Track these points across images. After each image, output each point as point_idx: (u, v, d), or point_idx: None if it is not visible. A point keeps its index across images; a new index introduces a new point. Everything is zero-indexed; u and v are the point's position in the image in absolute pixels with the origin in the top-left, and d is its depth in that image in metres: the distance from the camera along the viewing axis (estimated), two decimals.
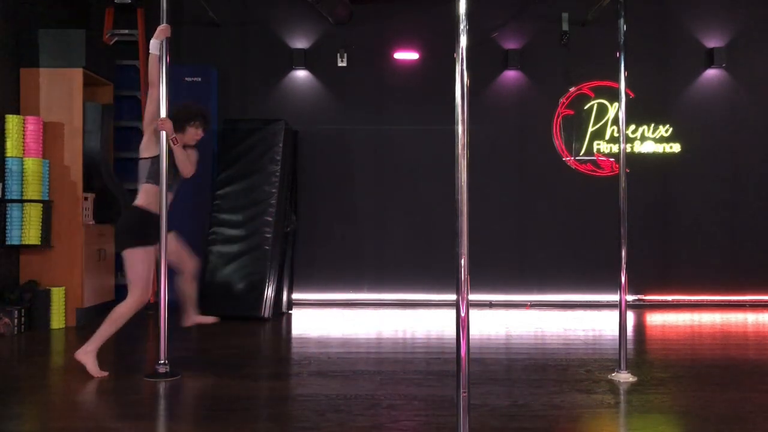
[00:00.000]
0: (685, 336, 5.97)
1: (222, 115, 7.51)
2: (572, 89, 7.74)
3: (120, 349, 5.59)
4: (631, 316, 6.85)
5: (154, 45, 4.23)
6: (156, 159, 4.23)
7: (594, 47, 7.58)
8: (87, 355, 4.22)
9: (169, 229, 4.24)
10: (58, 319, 5.99)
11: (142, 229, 4.21)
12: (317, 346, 5.38)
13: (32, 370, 4.58)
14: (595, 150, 7.71)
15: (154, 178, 4.24)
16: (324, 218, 7.72)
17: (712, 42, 7.70)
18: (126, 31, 7.16)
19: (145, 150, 4.29)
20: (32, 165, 5.86)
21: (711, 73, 7.73)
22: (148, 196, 4.27)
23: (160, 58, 4.25)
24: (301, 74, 7.79)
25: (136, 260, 4.18)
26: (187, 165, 4.30)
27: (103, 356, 5.25)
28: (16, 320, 5.66)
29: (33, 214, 5.85)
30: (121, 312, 4.19)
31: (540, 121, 7.73)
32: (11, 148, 5.82)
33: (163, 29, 4.25)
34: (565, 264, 7.63)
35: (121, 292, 7.10)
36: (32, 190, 5.85)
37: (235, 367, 4.54)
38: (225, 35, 7.75)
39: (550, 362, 4.71)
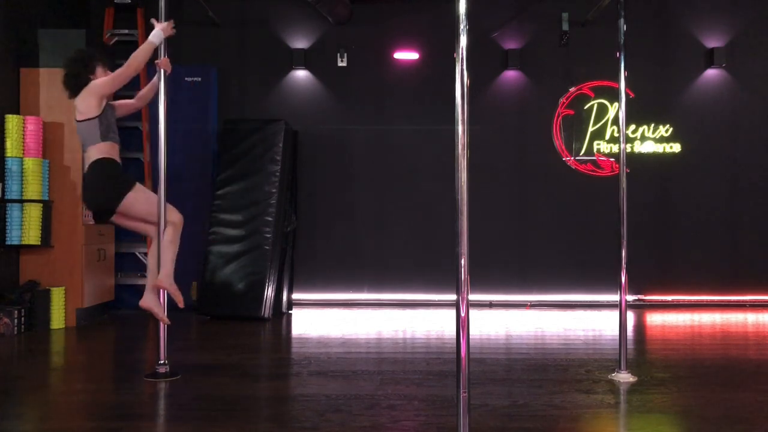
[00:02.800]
0: (685, 336, 5.97)
1: (222, 115, 7.51)
2: (572, 89, 7.74)
3: (120, 349, 5.60)
4: (631, 316, 6.85)
5: (157, 36, 4.23)
6: (100, 118, 4.21)
7: (594, 47, 7.58)
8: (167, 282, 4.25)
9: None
10: (58, 319, 5.99)
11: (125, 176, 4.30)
12: (317, 346, 5.38)
13: (32, 370, 4.58)
14: (595, 150, 7.70)
15: (107, 136, 4.25)
16: (324, 218, 7.73)
17: (712, 42, 7.70)
18: (126, 31, 7.17)
19: (90, 111, 4.20)
20: (32, 165, 5.86)
21: (711, 73, 7.73)
22: (112, 150, 4.27)
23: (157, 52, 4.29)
24: (301, 74, 7.79)
25: (141, 196, 4.25)
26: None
27: (103, 356, 5.26)
28: (16, 320, 5.67)
29: (33, 214, 5.85)
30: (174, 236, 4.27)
31: (540, 121, 7.73)
32: (11, 148, 5.83)
33: (166, 27, 4.26)
34: (565, 264, 7.63)
35: (121, 292, 7.12)
36: (32, 190, 5.85)
37: (235, 367, 4.54)
38: (225, 35, 7.75)
39: (550, 362, 4.71)
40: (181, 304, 4.21)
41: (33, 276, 6.10)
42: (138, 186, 4.25)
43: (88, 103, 4.18)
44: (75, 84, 4.26)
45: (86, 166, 4.25)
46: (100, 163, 4.19)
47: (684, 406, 3.66)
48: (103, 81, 4.22)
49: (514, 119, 7.76)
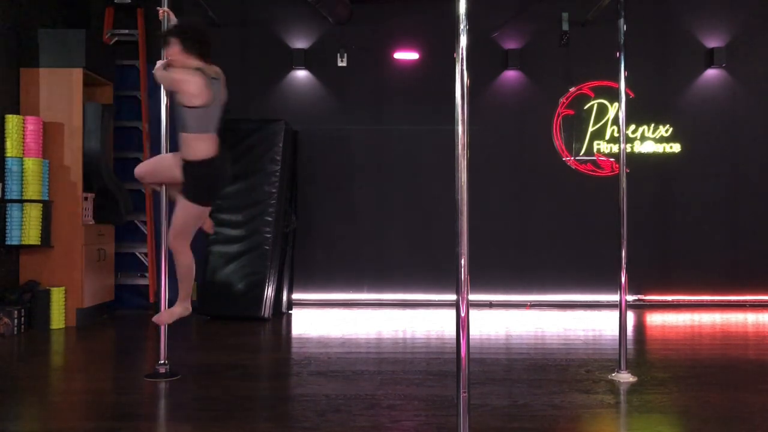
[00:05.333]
0: (685, 336, 5.97)
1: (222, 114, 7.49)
2: (572, 89, 7.74)
3: (120, 349, 5.61)
4: (631, 316, 6.85)
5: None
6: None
7: (594, 47, 7.58)
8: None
9: None
10: (58, 319, 5.99)
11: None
12: (317, 346, 5.38)
13: (32, 370, 4.58)
14: (595, 150, 7.70)
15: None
16: (324, 218, 7.72)
17: (712, 42, 7.69)
18: (126, 31, 7.17)
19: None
20: (32, 165, 5.86)
21: (711, 73, 7.73)
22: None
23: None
24: (301, 74, 7.79)
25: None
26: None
27: (103, 356, 5.26)
28: (16, 320, 5.66)
29: (33, 214, 5.85)
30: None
31: (540, 121, 7.73)
32: (11, 148, 5.82)
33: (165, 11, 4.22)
34: (565, 264, 7.63)
35: (121, 292, 7.12)
36: (32, 190, 5.85)
37: (235, 367, 4.54)
38: (225, 35, 7.74)
39: (550, 362, 4.71)
40: (212, 230, 4.28)
41: (33, 276, 6.10)
42: None
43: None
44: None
45: (211, 151, 3.87)
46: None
47: (684, 406, 3.66)
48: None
49: (514, 119, 7.76)
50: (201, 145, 3.84)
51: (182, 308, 4.06)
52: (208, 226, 4.33)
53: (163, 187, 4.36)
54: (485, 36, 7.68)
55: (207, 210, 4.05)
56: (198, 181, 3.88)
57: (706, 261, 7.62)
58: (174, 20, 4.24)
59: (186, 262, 4.03)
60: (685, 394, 3.88)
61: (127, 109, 7.36)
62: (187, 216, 3.96)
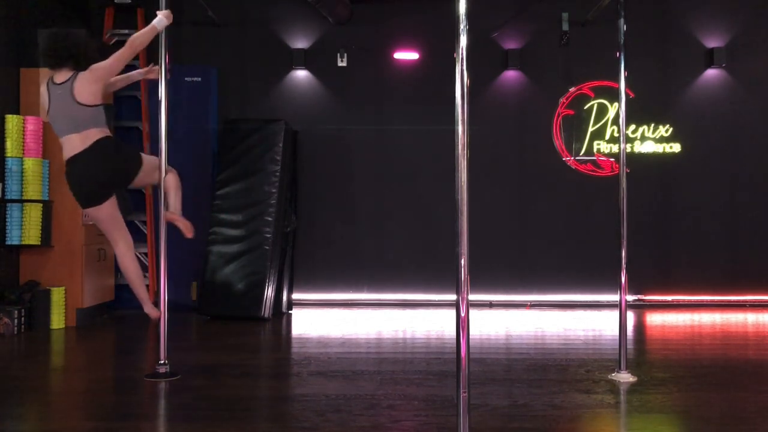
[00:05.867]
0: (685, 336, 5.97)
1: (222, 115, 7.50)
2: (572, 89, 7.74)
3: (120, 349, 5.61)
4: (631, 316, 6.85)
5: (160, 23, 4.20)
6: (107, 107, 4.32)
7: (594, 47, 7.58)
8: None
9: None
10: (58, 319, 5.99)
11: None
12: (317, 346, 5.38)
13: (32, 370, 4.58)
14: (595, 150, 7.70)
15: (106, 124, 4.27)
16: (324, 218, 7.72)
17: (712, 42, 7.69)
18: (126, 32, 7.15)
19: (97, 98, 4.18)
20: (32, 165, 5.86)
21: (711, 73, 7.73)
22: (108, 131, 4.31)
23: (160, 56, 4.29)
24: (301, 74, 7.79)
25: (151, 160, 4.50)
26: None
27: (103, 356, 5.26)
28: (16, 320, 5.67)
29: (33, 214, 5.85)
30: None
31: (540, 121, 7.73)
32: (11, 148, 5.83)
33: (168, 14, 4.25)
34: (565, 264, 7.63)
35: (121, 292, 7.11)
36: (32, 190, 5.85)
37: (235, 367, 4.54)
38: (225, 35, 7.75)
39: (550, 362, 4.72)
40: (189, 233, 4.34)
41: (33, 276, 6.10)
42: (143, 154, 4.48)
43: (94, 89, 4.11)
44: (70, 56, 4.15)
45: (80, 147, 4.14)
46: (110, 140, 4.23)
47: (684, 407, 3.66)
48: (106, 65, 4.13)
49: (514, 119, 7.76)
50: (63, 149, 4.19)
51: (146, 312, 4.41)
52: (184, 227, 4.36)
53: (162, 187, 4.36)
54: (485, 36, 7.68)
55: (99, 211, 4.22)
56: (68, 185, 4.21)
57: (706, 261, 7.62)
58: (170, 21, 4.27)
59: (122, 265, 4.38)
60: (685, 394, 3.88)
61: (127, 109, 7.36)
62: (94, 220, 4.34)
